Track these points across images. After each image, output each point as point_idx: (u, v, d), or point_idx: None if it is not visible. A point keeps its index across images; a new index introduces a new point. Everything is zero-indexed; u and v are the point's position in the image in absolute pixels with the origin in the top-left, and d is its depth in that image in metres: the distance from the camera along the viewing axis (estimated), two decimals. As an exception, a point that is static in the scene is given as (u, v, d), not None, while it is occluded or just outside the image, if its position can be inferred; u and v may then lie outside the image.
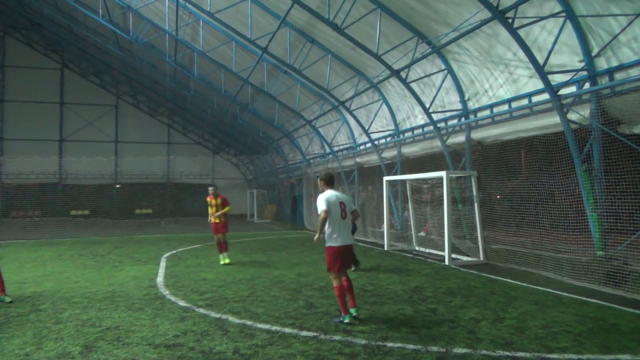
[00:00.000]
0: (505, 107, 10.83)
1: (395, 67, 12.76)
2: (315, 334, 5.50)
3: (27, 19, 27.98)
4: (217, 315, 6.38)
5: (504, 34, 9.49)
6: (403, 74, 12.87)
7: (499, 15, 8.36)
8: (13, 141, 30.97)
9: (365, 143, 17.80)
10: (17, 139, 30.97)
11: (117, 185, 32.30)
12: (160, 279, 9.30)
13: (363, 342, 5.20)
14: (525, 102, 10.21)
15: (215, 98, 24.29)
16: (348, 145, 19.39)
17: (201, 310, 6.66)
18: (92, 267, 11.00)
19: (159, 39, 19.94)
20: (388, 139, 16.19)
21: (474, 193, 11.40)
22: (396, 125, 15.48)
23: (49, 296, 7.81)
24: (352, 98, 16.21)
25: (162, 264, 11.28)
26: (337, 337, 5.35)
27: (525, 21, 8.66)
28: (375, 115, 16.25)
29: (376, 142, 16.77)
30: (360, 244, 15.59)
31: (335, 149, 20.25)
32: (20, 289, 8.48)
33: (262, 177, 33.76)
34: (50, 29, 27.34)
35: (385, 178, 14.47)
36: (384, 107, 15.64)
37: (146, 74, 26.91)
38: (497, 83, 10.93)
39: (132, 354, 4.91)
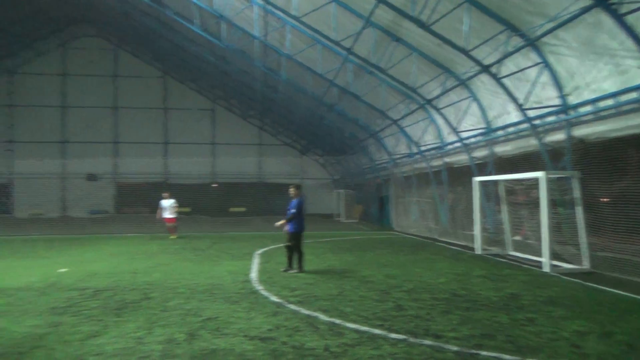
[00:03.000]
0: (611, 101, 9.89)
1: (485, 62, 12.22)
2: (404, 336, 5.47)
3: (136, 32, 30.86)
4: (308, 312, 6.59)
5: (608, 21, 8.69)
6: (494, 70, 12.28)
7: (602, 1, 7.66)
8: (125, 144, 34.36)
9: (454, 142, 17.24)
10: (129, 142, 34.31)
11: (214, 185, 34.42)
12: (253, 274, 9.78)
13: (455, 348, 5.08)
14: (634, 95, 9.25)
15: (302, 100, 24.93)
16: (436, 145, 18.90)
17: (292, 307, 6.92)
18: (193, 261, 11.87)
19: (249, 45, 20.92)
20: (479, 138, 15.53)
21: (576, 195, 10.56)
22: (487, 123, 14.80)
23: (157, 286, 8.58)
24: (439, 96, 15.78)
25: (255, 260, 11.85)
26: (427, 342, 5.28)
27: (634, 6, 7.84)
28: (465, 113, 15.67)
29: (466, 142, 16.16)
30: (450, 246, 15.14)
31: (423, 148, 19.84)
32: (134, 277, 9.42)
33: (348, 177, 34.02)
34: (154, 41, 29.90)
35: (476, 179, 13.90)
36: (474, 104, 15.03)
37: (238, 78, 28.36)
38: (601, 75, 10.02)
39: (230, 344, 5.25)
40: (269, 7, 16.96)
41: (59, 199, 33.10)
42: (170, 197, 18.25)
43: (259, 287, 8.39)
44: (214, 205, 31.73)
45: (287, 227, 10.02)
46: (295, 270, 9.95)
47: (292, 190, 10.35)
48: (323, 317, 6.35)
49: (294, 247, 10.02)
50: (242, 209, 33.15)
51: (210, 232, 21.13)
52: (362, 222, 28.14)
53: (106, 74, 34.59)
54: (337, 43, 15.49)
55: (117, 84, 34.84)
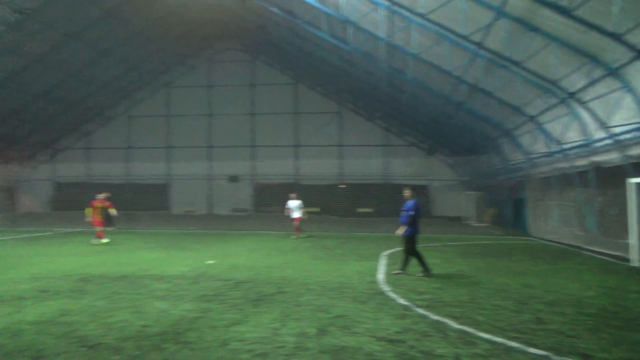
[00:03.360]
0: None
1: (643, 46, 10.65)
2: (545, 353, 5.05)
3: (270, 43, 33.16)
4: (436, 318, 6.46)
5: None
6: (655, 54, 10.65)
7: None
8: (261, 147, 37.12)
9: (603, 139, 15.29)
10: (264, 146, 36.99)
11: (342, 186, 35.37)
12: (380, 275, 9.86)
13: (606, 370, 4.57)
14: None
15: (429, 99, 24.36)
16: (581, 143, 16.99)
17: (420, 311, 6.84)
18: (323, 259, 12.38)
19: (374, 46, 21.08)
20: (635, 134, 13.56)
21: None
22: (648, 116, 12.87)
23: (290, 281, 9.14)
24: (584, 88, 14.15)
25: (382, 262, 11.92)
26: (572, 360, 4.83)
27: None
28: (616, 106, 13.82)
29: (618, 138, 14.25)
30: (599, 256, 13.54)
31: (565, 147, 17.98)
32: (269, 272, 10.17)
33: (479, 178, 32.28)
34: (286, 50, 31.77)
35: (632, 180, 12.19)
36: (628, 96, 13.18)
37: (364, 80, 28.74)
38: None
39: (358, 342, 5.39)
40: (395, 8, 16.94)
41: (206, 198, 37.00)
42: (297, 197, 19.09)
43: (386, 289, 8.44)
44: (342, 206, 32.59)
45: (401, 230, 9.98)
46: (421, 274, 9.81)
47: (406, 192, 10.31)
48: (453, 324, 6.18)
49: (409, 250, 9.93)
50: (369, 210, 33.49)
51: (338, 232, 21.77)
52: (494, 226, 26.51)
53: (245, 84, 37.73)
54: (465, 38, 14.84)
55: (254, 92, 37.77)
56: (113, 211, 16.93)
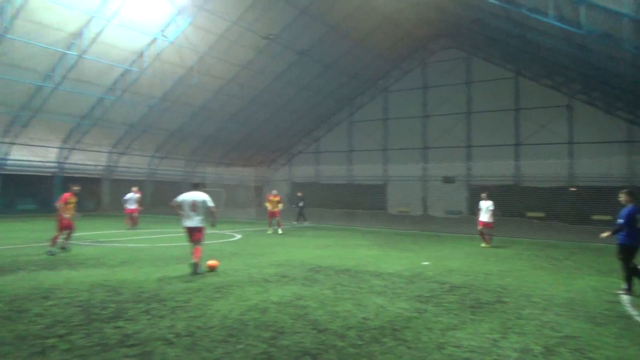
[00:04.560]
0: None
1: None
2: None
3: (486, 37, 31.44)
4: None
5: None
6: None
7: None
8: (477, 147, 35.57)
9: None
10: (480, 146, 35.33)
11: (572, 189, 31.10)
12: (625, 295, 8.41)
13: None
14: None
15: (698, 81, 19.45)
16: None
17: (682, 344, 5.62)
18: (548, 270, 11.20)
19: (615, 25, 17.90)
20: None
21: None
22: None
23: (510, 291, 8.58)
24: None
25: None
26: None
27: None
28: None
29: None
30: None
31: None
32: (487, 279, 9.74)
33: None
34: (505, 42, 29.59)
35: None
36: None
37: (601, 67, 24.69)
38: None
39: (596, 370, 4.77)
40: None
41: (421, 199, 37.34)
42: (488, 197, 16.05)
43: (633, 312, 7.16)
44: (571, 212, 28.60)
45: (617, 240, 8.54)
46: (622, 291, 8.36)
47: (622, 197, 8.68)
48: None
49: (624, 263, 8.45)
50: (607, 217, 28.50)
51: (567, 240, 19.33)
52: None
53: (460, 82, 36.68)
54: None
55: (470, 90, 36.41)
56: (281, 205, 20.23)
